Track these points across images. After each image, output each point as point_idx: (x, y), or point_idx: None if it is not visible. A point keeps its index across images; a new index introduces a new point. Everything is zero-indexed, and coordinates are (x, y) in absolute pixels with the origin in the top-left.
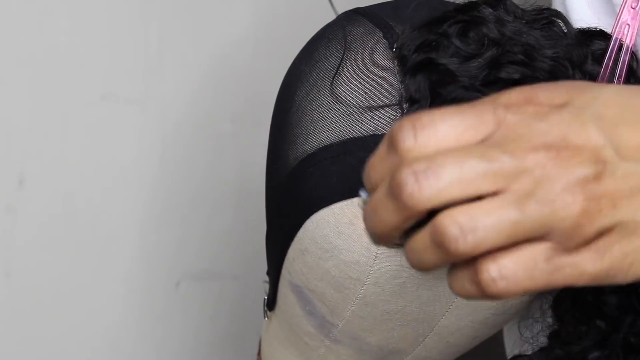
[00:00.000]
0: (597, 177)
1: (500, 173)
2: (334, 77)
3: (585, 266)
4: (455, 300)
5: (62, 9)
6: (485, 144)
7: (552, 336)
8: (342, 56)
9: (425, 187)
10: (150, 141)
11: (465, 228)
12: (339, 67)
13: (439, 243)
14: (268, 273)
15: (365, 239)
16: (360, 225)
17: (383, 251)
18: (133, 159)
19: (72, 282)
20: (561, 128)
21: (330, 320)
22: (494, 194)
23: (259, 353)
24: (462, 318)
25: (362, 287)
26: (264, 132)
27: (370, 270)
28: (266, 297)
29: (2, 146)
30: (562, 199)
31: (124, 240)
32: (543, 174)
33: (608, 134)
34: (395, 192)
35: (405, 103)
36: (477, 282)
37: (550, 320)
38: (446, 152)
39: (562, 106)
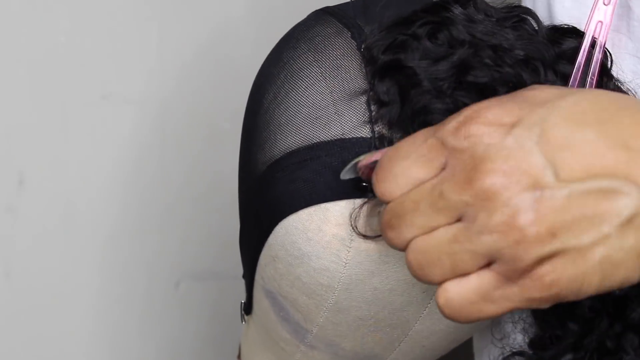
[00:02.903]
0: (535, 205)
1: (448, 209)
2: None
3: (532, 293)
4: (429, 305)
5: (62, 9)
6: (434, 181)
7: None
8: (310, 58)
9: (396, 235)
10: (150, 141)
11: (422, 260)
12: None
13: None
14: (244, 276)
15: (334, 245)
16: (329, 231)
17: (353, 257)
18: (133, 159)
19: (72, 282)
20: (504, 154)
21: (304, 326)
22: (450, 223)
23: (238, 356)
24: (437, 323)
25: (334, 293)
26: None
27: (341, 277)
28: (243, 302)
29: (2, 146)
30: (499, 229)
31: (124, 240)
32: (483, 206)
33: (551, 158)
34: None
35: (374, 105)
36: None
37: (522, 324)
38: (405, 200)
39: (510, 126)
